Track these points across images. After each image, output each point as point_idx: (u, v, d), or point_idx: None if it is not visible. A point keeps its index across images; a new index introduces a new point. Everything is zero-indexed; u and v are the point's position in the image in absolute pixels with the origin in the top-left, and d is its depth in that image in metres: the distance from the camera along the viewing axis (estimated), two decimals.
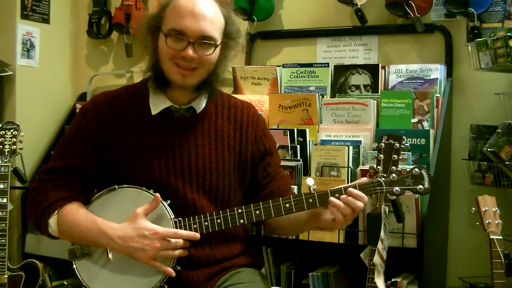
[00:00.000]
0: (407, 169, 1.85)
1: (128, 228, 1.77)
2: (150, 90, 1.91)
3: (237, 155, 1.94)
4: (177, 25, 1.80)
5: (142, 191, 1.82)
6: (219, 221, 1.80)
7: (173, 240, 1.76)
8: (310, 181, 1.82)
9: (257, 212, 1.80)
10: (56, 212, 1.83)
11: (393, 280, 2.29)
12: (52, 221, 1.83)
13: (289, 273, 2.61)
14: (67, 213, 1.83)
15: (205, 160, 1.89)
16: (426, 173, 1.82)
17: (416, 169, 1.83)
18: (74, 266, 1.84)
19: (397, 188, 1.82)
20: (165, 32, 1.81)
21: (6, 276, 2.88)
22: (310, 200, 1.80)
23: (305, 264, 2.63)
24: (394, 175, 1.83)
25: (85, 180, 1.90)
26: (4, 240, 2.85)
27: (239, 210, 1.80)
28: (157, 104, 1.89)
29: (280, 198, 1.81)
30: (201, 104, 1.93)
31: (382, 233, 1.95)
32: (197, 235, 1.78)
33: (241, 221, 1.80)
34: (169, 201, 1.82)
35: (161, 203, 1.81)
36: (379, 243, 1.94)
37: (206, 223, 1.80)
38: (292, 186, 2.47)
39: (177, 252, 1.77)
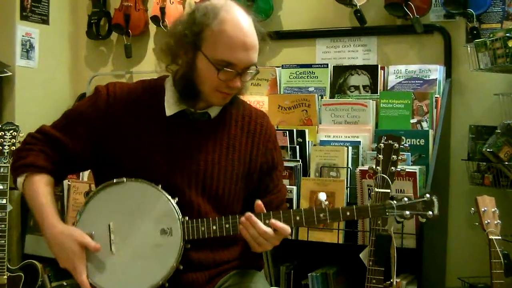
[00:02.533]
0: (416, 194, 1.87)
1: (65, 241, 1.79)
2: (167, 90, 1.89)
3: (247, 165, 1.92)
4: (230, 58, 1.75)
5: (152, 187, 1.80)
6: (227, 226, 1.78)
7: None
8: (322, 196, 1.82)
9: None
10: (25, 174, 1.87)
11: (392, 280, 2.28)
12: (19, 180, 1.88)
13: (288, 273, 2.62)
14: (33, 183, 1.86)
15: (214, 166, 1.87)
16: (436, 200, 1.82)
17: (428, 195, 1.82)
18: None
19: (407, 212, 1.81)
20: (214, 62, 1.75)
21: (5, 277, 2.88)
22: (321, 215, 1.78)
23: (304, 265, 2.63)
24: (405, 199, 1.82)
25: (70, 158, 1.89)
26: (3, 241, 2.86)
27: None
28: (172, 106, 1.87)
29: (291, 210, 1.79)
30: (216, 110, 1.91)
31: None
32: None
33: None
34: (176, 199, 1.81)
35: (169, 202, 1.79)
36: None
37: (214, 227, 1.78)
38: (291, 187, 2.48)
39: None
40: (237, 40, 1.75)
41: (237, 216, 1.78)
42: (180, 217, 1.79)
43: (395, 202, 1.81)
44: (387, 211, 1.80)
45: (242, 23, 1.77)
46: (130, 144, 1.85)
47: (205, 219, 1.79)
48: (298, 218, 1.78)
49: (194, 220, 1.79)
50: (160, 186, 1.81)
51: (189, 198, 1.84)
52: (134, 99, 1.89)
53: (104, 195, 1.85)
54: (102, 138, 1.87)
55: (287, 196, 2.42)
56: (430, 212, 1.81)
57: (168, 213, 1.79)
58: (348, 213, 1.78)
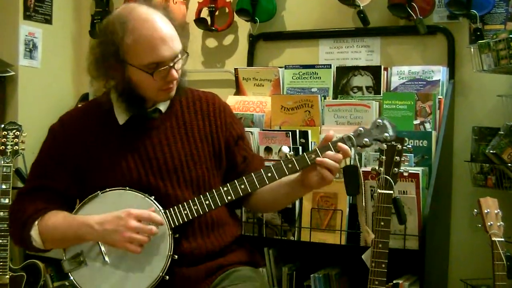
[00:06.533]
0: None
1: (107, 215, 1.81)
2: (114, 101, 1.94)
3: (210, 143, 1.99)
4: (155, 58, 1.81)
5: (126, 191, 1.86)
6: (207, 202, 1.85)
7: (148, 226, 1.78)
8: (285, 148, 2.03)
9: (242, 186, 1.86)
10: (35, 223, 1.86)
11: (394, 282, 2.28)
12: (34, 233, 1.86)
13: (291, 274, 2.61)
14: (47, 220, 1.86)
15: (180, 154, 1.94)
16: (388, 123, 1.91)
17: (379, 120, 1.92)
18: (72, 278, 1.86)
19: (366, 139, 1.89)
20: (143, 68, 1.81)
21: (8, 276, 2.89)
22: (290, 165, 1.87)
23: (307, 266, 2.63)
24: (360, 128, 1.91)
25: (61, 196, 1.93)
26: (6, 241, 2.86)
27: (225, 188, 1.86)
28: (122, 114, 1.94)
29: (262, 169, 1.88)
30: (166, 103, 1.98)
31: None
32: (163, 221, 1.82)
33: (229, 197, 1.86)
34: (153, 196, 1.86)
35: (146, 198, 1.85)
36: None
37: (195, 207, 1.85)
38: None
39: (147, 239, 1.78)
40: (154, 39, 1.80)
41: (214, 191, 1.86)
42: (161, 208, 1.84)
43: (351, 133, 1.91)
44: (347, 142, 1.88)
45: (152, 21, 1.82)
46: (96, 160, 1.91)
47: (185, 203, 1.85)
48: (270, 174, 1.87)
49: (175, 207, 1.85)
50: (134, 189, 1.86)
51: (166, 191, 1.89)
52: (88, 119, 1.96)
53: (83, 212, 1.88)
54: (75, 165, 1.92)
55: None
56: (386, 134, 1.90)
57: (148, 208, 1.83)
58: (313, 156, 1.86)
